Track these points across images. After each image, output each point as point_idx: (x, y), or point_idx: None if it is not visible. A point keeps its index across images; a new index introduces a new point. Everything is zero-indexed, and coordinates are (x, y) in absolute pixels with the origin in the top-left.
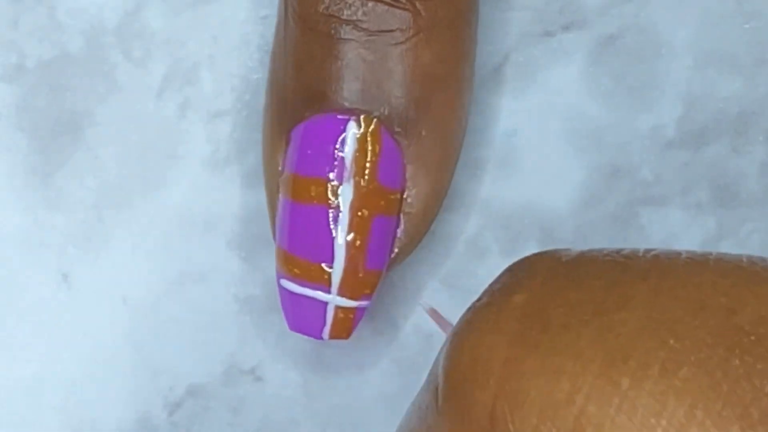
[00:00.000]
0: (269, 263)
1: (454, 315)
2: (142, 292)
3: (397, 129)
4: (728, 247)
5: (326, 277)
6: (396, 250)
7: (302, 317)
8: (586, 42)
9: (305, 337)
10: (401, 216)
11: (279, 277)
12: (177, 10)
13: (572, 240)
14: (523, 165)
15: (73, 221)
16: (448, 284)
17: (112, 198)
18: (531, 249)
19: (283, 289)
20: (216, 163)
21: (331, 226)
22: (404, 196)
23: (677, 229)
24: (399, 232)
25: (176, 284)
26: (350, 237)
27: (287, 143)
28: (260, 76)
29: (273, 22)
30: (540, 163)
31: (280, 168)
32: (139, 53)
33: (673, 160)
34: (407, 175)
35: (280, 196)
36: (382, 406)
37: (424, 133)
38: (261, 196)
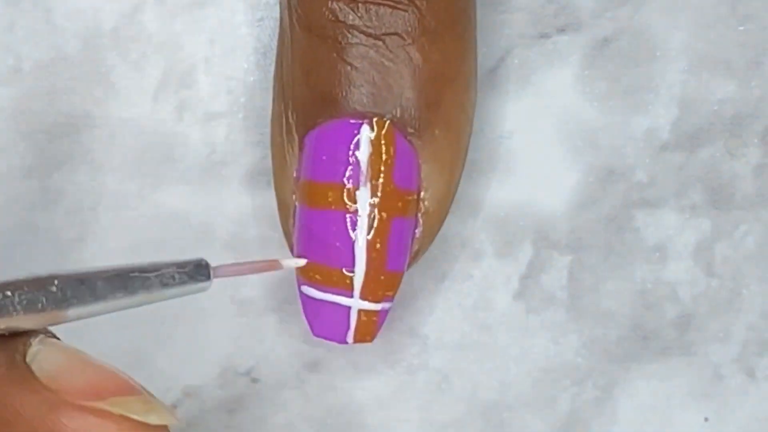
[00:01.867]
0: None
1: (449, 319)
2: None
3: (410, 130)
4: (723, 249)
5: (348, 281)
6: (415, 249)
7: (325, 323)
8: (581, 45)
9: (302, 338)
10: (418, 216)
11: (299, 283)
12: (173, 13)
13: (567, 242)
14: (518, 167)
15: (70, 223)
16: (444, 286)
17: (109, 200)
18: (526, 251)
19: (304, 296)
20: (212, 165)
21: (350, 231)
22: (421, 196)
23: (672, 231)
24: (417, 232)
25: None
26: (370, 240)
27: (301, 150)
28: (256, 78)
29: (269, 24)
30: (535, 165)
31: (294, 175)
32: (136, 56)
33: (668, 163)
34: (422, 175)
35: (297, 203)
36: (377, 407)
37: (437, 132)
38: (257, 198)
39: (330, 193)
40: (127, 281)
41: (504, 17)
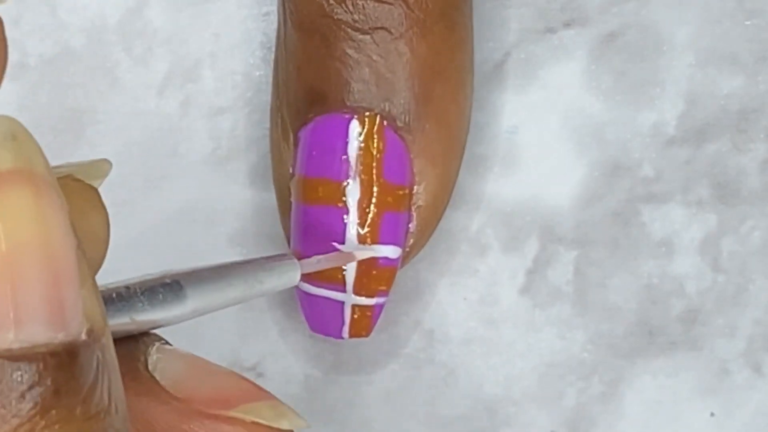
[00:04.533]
0: None
1: (454, 314)
2: None
3: (400, 124)
4: (729, 244)
5: (340, 276)
6: (410, 244)
7: (321, 318)
8: (587, 39)
9: (308, 332)
10: (412, 210)
11: None
12: (179, 7)
13: (573, 237)
14: (524, 162)
15: None
16: (449, 281)
17: (114, 195)
18: (532, 245)
19: (300, 291)
20: (218, 160)
21: (342, 225)
22: (413, 190)
23: (678, 227)
24: (411, 226)
25: None
26: (361, 235)
27: (296, 145)
28: (262, 73)
29: (274, 19)
30: (541, 160)
31: (291, 171)
32: (141, 50)
33: (674, 158)
34: (415, 169)
35: (293, 199)
36: (383, 402)
37: (427, 126)
38: (262, 193)
39: (321, 189)
40: (229, 270)
41: (510, 12)
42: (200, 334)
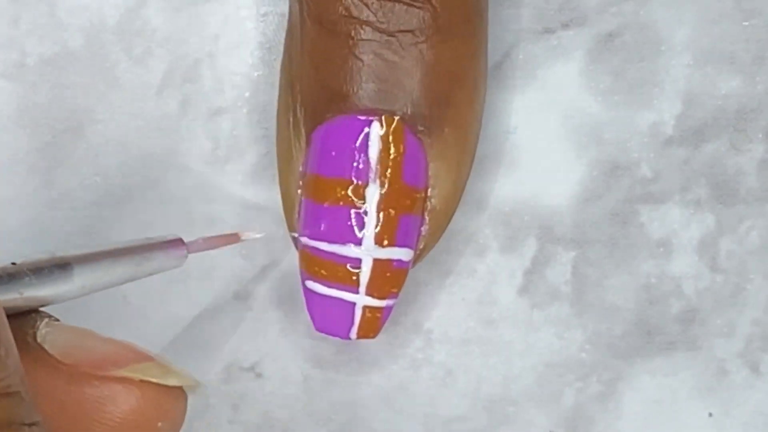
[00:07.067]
0: (270, 260)
1: (453, 314)
2: (143, 289)
3: (420, 128)
4: (727, 244)
5: (354, 277)
6: (421, 246)
7: (329, 318)
8: (585, 39)
9: (306, 333)
10: (425, 213)
11: (303, 278)
12: (177, 7)
13: (571, 237)
14: (523, 162)
15: (74, 218)
16: (448, 281)
17: (113, 195)
18: (530, 245)
19: (308, 291)
20: (216, 161)
21: (358, 227)
22: (428, 194)
23: (676, 226)
24: (423, 229)
25: (177, 281)
26: (378, 237)
27: (308, 144)
28: (261, 73)
29: (273, 20)
30: (539, 160)
31: (301, 169)
32: (140, 51)
33: (673, 158)
34: (430, 172)
35: (302, 197)
36: (381, 402)
37: (446, 130)
38: (262, 193)
39: (338, 189)
40: (117, 250)
41: (509, 12)
42: (199, 334)
